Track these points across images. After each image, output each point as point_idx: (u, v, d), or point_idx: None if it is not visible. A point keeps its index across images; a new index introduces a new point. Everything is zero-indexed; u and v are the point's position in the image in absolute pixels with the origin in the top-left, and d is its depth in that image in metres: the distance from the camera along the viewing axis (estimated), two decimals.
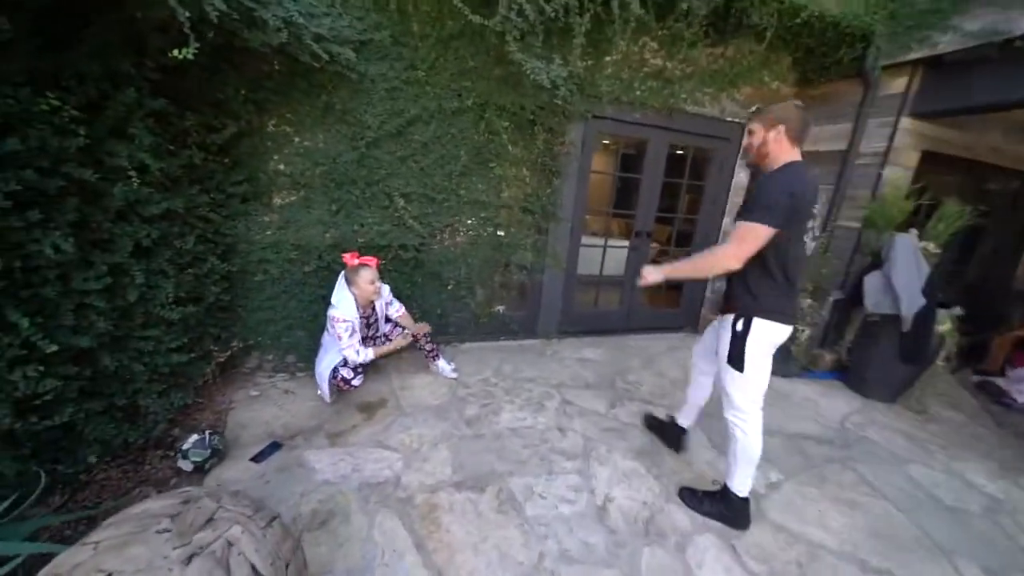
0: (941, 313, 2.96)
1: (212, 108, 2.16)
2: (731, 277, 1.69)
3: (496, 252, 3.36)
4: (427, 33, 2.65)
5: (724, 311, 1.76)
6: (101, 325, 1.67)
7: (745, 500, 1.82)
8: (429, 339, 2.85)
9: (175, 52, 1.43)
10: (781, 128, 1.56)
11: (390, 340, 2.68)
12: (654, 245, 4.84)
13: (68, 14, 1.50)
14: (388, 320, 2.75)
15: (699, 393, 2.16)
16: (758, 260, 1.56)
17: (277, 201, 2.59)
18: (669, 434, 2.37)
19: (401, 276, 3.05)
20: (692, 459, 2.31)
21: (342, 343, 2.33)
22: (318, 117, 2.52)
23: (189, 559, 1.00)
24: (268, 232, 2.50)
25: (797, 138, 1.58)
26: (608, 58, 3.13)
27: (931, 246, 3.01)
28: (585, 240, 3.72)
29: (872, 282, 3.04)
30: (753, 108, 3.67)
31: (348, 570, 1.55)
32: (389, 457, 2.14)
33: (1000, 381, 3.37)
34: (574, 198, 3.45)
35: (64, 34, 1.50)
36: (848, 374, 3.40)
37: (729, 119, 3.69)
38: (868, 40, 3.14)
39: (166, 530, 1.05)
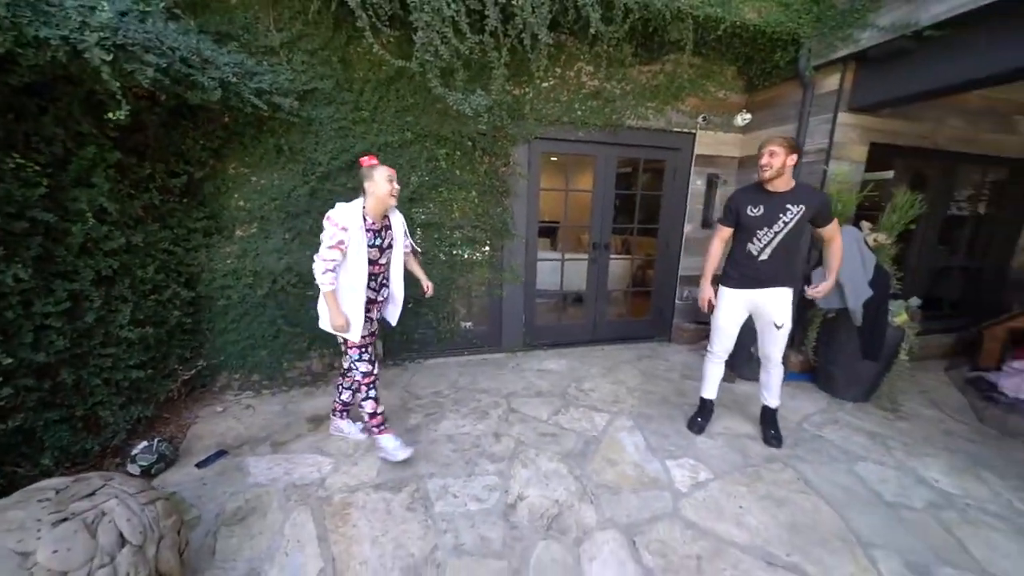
0: (896, 304, 2.85)
1: (174, 157, 2.53)
2: (785, 260, 2.29)
3: (452, 271, 3.54)
4: (368, 78, 2.98)
5: (778, 284, 2.32)
6: (59, 343, 1.95)
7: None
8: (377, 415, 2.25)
9: (110, 114, 1.75)
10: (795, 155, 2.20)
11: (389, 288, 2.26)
12: (617, 256, 4.92)
13: (36, 92, 1.87)
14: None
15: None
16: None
17: (239, 233, 2.91)
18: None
19: None
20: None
21: (320, 250, 1.92)
22: (272, 159, 2.86)
23: (59, 522, 1.17)
24: (228, 261, 2.81)
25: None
26: (545, 84, 3.37)
27: (882, 237, 2.94)
28: (542, 255, 3.86)
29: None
30: (700, 117, 3.78)
31: (250, 559, 1.68)
32: (321, 462, 2.27)
33: (992, 376, 3.13)
34: (526, 215, 3.62)
35: (32, 107, 1.87)
36: (816, 374, 3.27)
37: (677, 130, 3.81)
38: (798, 43, 3.24)
39: (47, 499, 1.23)
